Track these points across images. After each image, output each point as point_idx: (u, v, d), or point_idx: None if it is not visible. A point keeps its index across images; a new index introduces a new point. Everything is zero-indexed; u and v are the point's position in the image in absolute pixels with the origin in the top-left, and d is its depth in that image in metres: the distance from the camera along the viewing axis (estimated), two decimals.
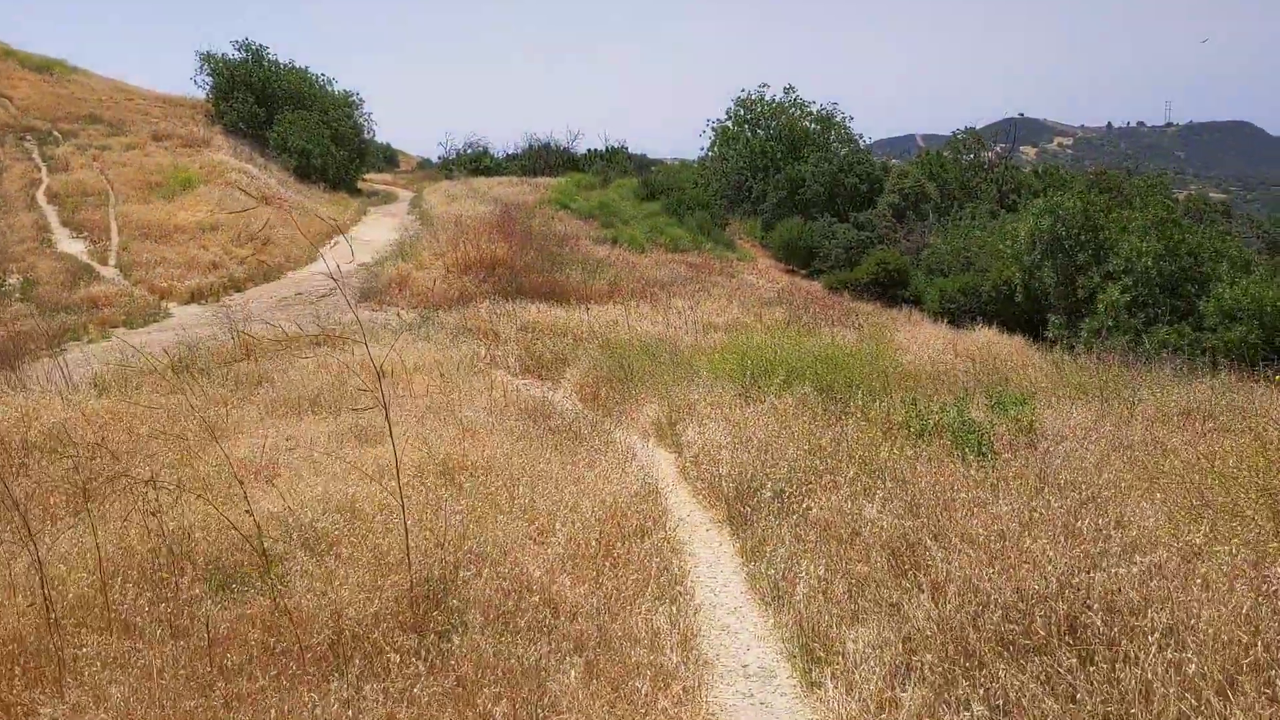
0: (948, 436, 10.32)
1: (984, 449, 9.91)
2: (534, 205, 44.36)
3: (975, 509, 7.48)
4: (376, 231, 41.07)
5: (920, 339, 25.21)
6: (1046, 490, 7.81)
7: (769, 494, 8.79)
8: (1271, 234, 44.04)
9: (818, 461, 9.21)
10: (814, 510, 8.22)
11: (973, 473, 8.61)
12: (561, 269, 32.02)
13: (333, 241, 37.66)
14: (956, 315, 34.89)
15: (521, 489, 9.20)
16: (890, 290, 38.11)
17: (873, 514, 7.68)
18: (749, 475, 9.38)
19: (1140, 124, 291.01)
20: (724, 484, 9.57)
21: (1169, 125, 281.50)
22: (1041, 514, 7.24)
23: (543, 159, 60.16)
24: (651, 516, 8.85)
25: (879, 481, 8.58)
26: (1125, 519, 7.14)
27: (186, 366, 16.94)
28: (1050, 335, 32.75)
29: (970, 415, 10.92)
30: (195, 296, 27.98)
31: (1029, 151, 69.93)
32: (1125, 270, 33.69)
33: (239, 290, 29.36)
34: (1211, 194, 71.24)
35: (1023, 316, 35.44)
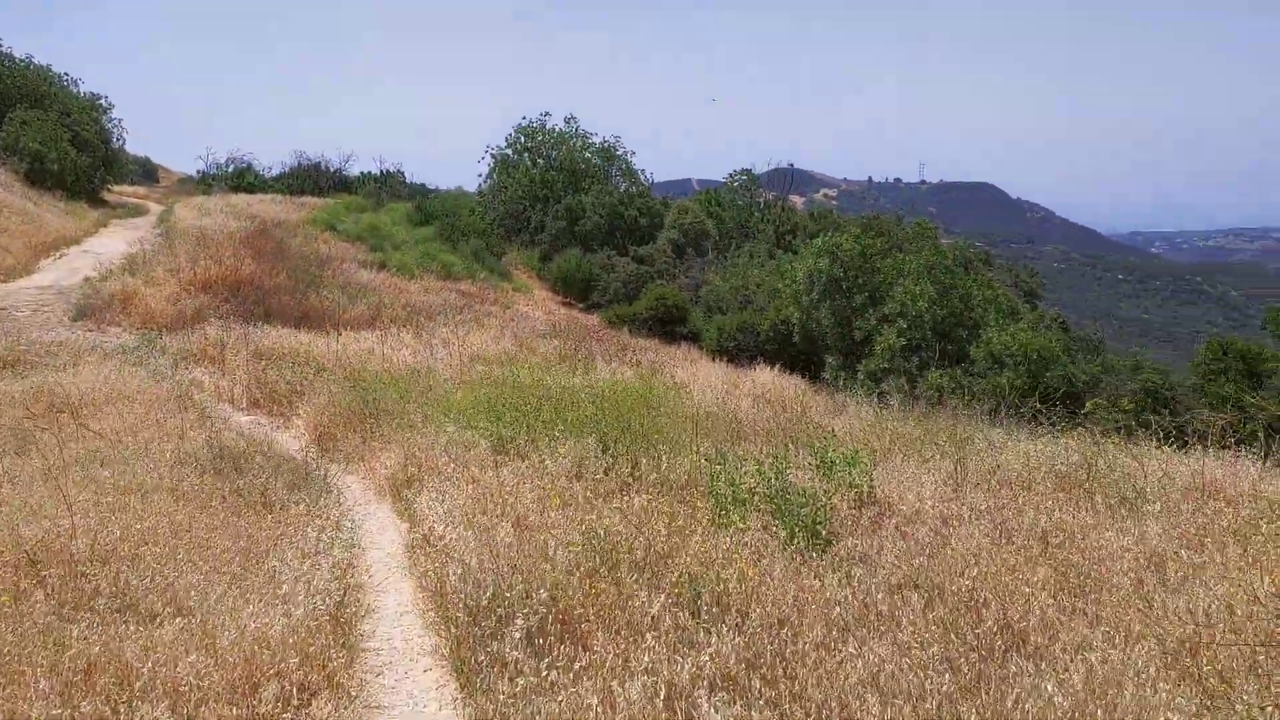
0: (769, 509, 7.52)
1: (820, 528, 7.17)
2: (297, 224, 40.05)
3: (843, 666, 4.62)
4: (114, 244, 35.78)
5: (701, 378, 22.86)
6: (938, 607, 5.05)
7: (520, 629, 5.58)
8: (1028, 284, 44.56)
9: (599, 559, 6.16)
10: (589, 658, 5.10)
11: (829, 589, 5.73)
12: (319, 292, 28.23)
13: (59, 253, 32.44)
14: (735, 354, 33.06)
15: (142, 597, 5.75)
16: (669, 326, 35.97)
17: (685, 678, 4.69)
18: (497, 582, 6.15)
19: (898, 180, 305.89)
20: (456, 594, 6.28)
21: (923, 182, 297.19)
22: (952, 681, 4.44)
23: (312, 179, 55.28)
24: (327, 661, 5.51)
25: (693, 608, 5.57)
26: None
27: None
28: (827, 377, 31.32)
29: (791, 478, 8.16)
30: None
31: (797, 200, 70.12)
32: (901, 314, 32.69)
33: None
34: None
35: (800, 357, 33.93)
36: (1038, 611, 4.99)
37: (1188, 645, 4.32)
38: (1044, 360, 30.55)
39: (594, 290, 40.39)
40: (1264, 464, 9.20)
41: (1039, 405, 16.40)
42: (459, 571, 6.21)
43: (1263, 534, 5.69)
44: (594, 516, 7.01)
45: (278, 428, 15.20)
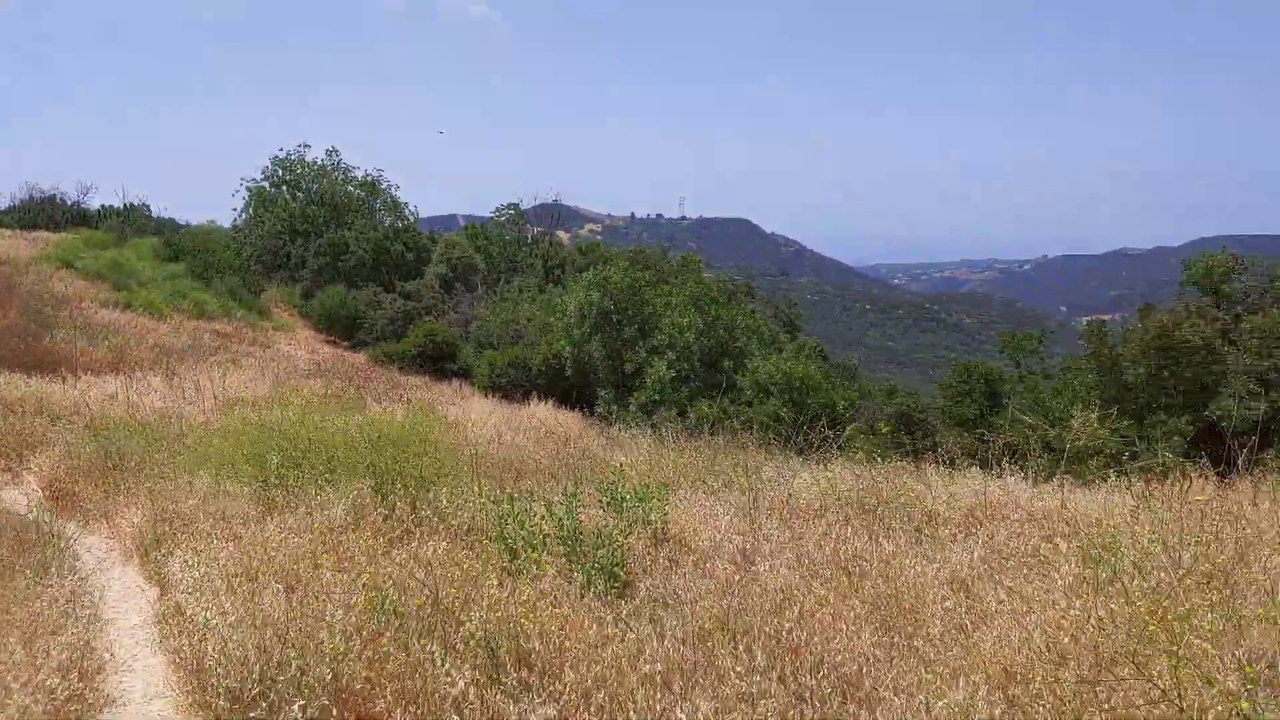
0: (563, 552, 7.05)
1: (618, 570, 6.76)
2: (28, 261, 36.74)
3: None
4: None
5: (475, 414, 22.20)
6: (756, 652, 4.71)
7: (298, 713, 4.77)
8: (788, 314, 46.08)
9: (383, 620, 5.49)
10: None
11: (640, 640, 5.27)
12: (54, 334, 25.87)
13: None
14: (508, 389, 32.50)
15: None
16: (440, 363, 35.05)
17: None
18: (266, 658, 5.32)
19: (660, 215, 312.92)
20: (216, 674, 5.30)
21: (683, 218, 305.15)
22: None
23: (46, 213, 50.94)
24: None
25: (494, 673, 4.99)
26: None
27: None
28: (601, 410, 31.21)
29: (580, 518, 7.73)
30: None
31: (563, 236, 70.35)
32: (670, 345, 33.06)
33: None
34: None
35: (573, 391, 33.73)
36: (861, 651, 4.76)
37: (1017, 676, 4.17)
38: (807, 388, 31.57)
39: (360, 328, 38.94)
40: (1033, 483, 9.49)
41: (809, 431, 16.71)
42: (219, 646, 5.38)
43: (1062, 554, 5.71)
44: (375, 570, 6.34)
45: (4, 484, 13.58)
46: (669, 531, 7.87)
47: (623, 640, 5.22)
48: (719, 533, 7.66)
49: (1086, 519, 6.76)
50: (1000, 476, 10.13)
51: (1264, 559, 5.36)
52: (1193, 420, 17.82)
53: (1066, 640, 4.27)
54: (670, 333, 32.95)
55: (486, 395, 30.80)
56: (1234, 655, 3.97)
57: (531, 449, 14.26)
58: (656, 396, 31.71)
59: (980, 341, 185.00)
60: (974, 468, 10.79)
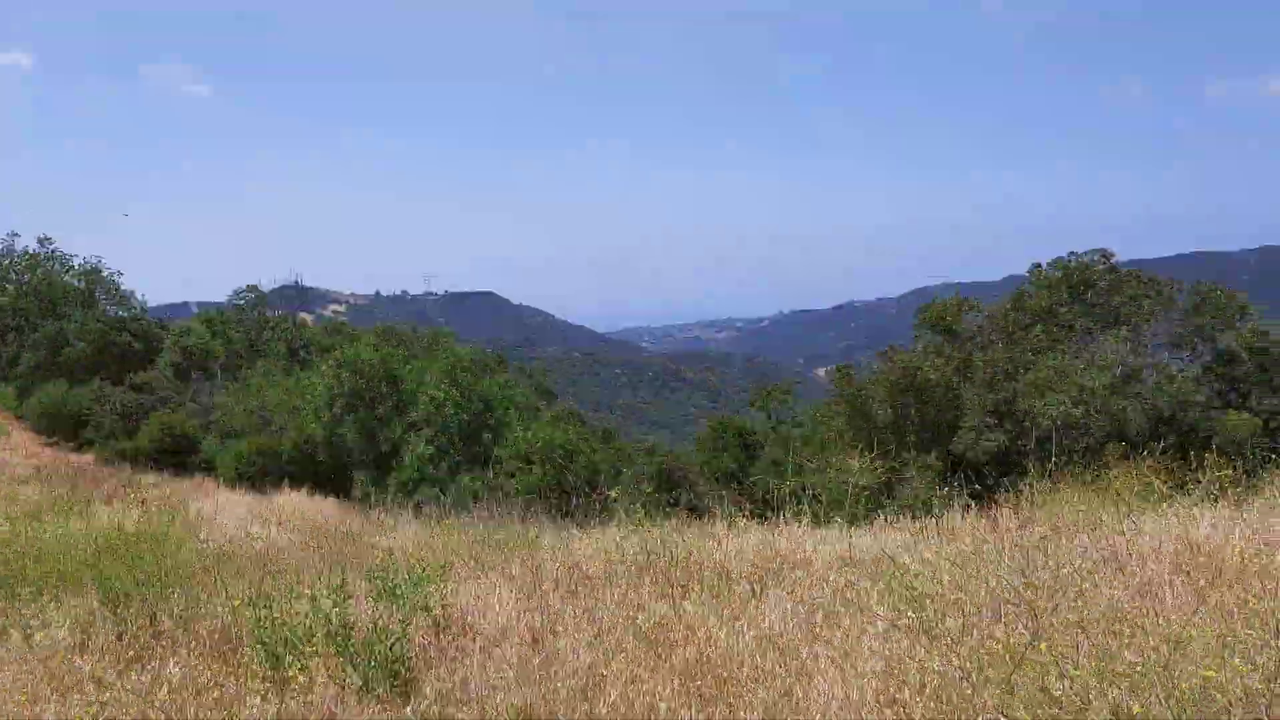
0: (334, 652, 6.26)
1: (399, 667, 6.05)
2: None
3: None
4: None
5: (223, 508, 20.57)
6: None
7: None
8: (542, 382, 45.92)
9: None
10: None
11: None
12: None
13: None
14: (256, 480, 30.49)
15: None
16: (179, 457, 32.54)
17: None
18: None
19: (405, 292, 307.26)
20: None
21: (430, 294, 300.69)
22: None
23: None
24: None
25: None
26: None
27: None
28: (358, 494, 29.77)
29: (350, 610, 6.95)
30: None
31: (307, 318, 67.70)
32: (427, 420, 32.08)
33: None
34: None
35: (328, 475, 32.07)
36: None
37: None
38: (569, 453, 31.37)
39: (86, 426, 35.72)
40: (812, 530, 9.44)
41: (577, 497, 16.37)
42: None
43: (873, 602, 5.52)
44: (108, 699, 5.39)
45: None
46: (450, 616, 7.22)
47: None
48: (506, 613, 7.07)
49: (878, 560, 6.66)
50: (778, 526, 10.08)
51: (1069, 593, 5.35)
52: (939, 455, 18.72)
53: (903, 692, 4.01)
54: (427, 408, 31.98)
55: (234, 488, 28.78)
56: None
57: (285, 541, 13.14)
58: (416, 474, 30.60)
59: (726, 397, 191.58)
60: (747, 520, 10.73)
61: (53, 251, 45.03)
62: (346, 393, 31.71)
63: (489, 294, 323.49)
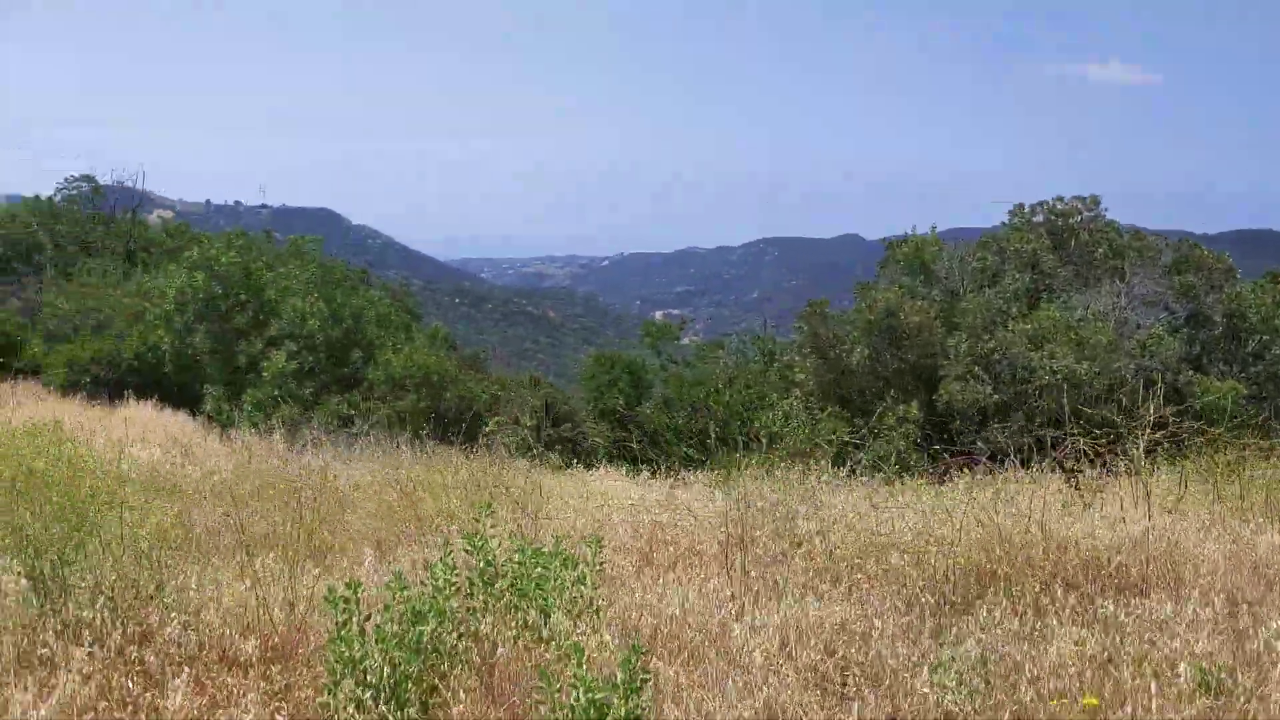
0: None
1: None
2: None
3: None
4: None
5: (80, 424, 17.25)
6: None
7: None
8: (408, 304, 43.07)
9: None
10: None
11: None
12: None
13: None
14: (92, 389, 26.76)
15: None
16: None
17: None
18: None
19: (238, 203, 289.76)
20: None
21: (263, 207, 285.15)
22: None
23: None
24: None
25: None
26: None
27: None
28: (209, 410, 26.49)
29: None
30: None
31: (146, 219, 61.16)
32: (291, 335, 28.85)
33: None
34: None
35: (173, 388, 28.49)
36: None
37: None
38: (443, 381, 29.01)
39: None
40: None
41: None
42: None
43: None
44: None
45: None
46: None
47: None
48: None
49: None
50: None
51: None
52: (921, 405, 17.13)
53: None
54: (292, 320, 28.75)
55: (65, 396, 25.12)
56: None
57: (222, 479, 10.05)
58: (276, 392, 27.45)
59: (565, 334, 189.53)
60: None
61: None
62: (201, 299, 28.19)
63: (326, 210, 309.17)
